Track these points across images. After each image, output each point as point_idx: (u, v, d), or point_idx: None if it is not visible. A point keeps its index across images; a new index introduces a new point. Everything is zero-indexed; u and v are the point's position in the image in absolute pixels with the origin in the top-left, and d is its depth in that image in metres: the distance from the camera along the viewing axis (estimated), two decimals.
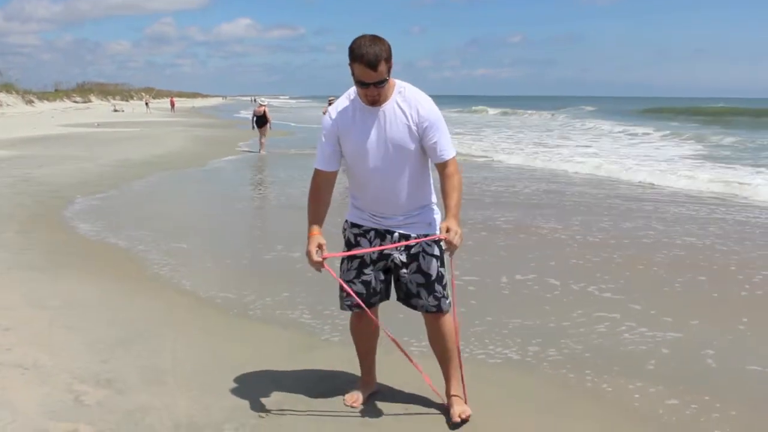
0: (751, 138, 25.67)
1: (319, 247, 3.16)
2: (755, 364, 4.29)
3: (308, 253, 3.17)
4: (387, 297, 3.47)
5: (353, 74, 3.06)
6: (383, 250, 3.29)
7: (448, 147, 3.22)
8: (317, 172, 3.31)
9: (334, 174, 3.32)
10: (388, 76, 3.07)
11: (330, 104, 18.71)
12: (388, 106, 3.16)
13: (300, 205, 10.73)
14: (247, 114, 54.26)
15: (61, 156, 16.89)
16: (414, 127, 3.15)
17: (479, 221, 8.92)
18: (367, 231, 3.33)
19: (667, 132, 29.81)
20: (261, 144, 19.79)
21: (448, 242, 3.02)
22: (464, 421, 3.34)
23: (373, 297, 3.38)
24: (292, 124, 37.77)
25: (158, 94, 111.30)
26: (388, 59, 3.03)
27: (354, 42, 3.03)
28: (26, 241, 7.53)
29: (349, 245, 3.38)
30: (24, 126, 30.70)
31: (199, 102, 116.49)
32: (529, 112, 54.27)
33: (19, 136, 24.01)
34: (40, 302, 5.23)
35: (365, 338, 3.58)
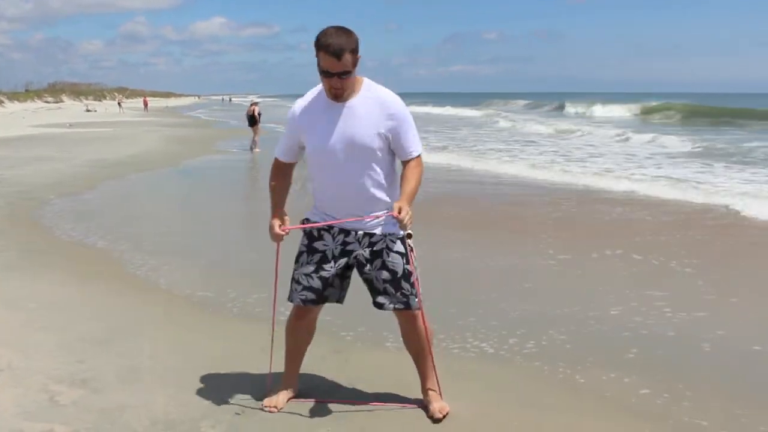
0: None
1: (282, 221, 3.28)
2: (759, 344, 4.43)
3: (271, 227, 3.27)
4: (342, 297, 3.40)
5: (318, 64, 3.06)
6: (346, 245, 3.26)
7: (415, 144, 3.24)
8: (276, 161, 3.43)
9: (291, 166, 3.44)
10: (353, 68, 3.07)
11: None
12: (354, 102, 3.15)
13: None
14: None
15: (33, 157, 16.68)
16: (381, 125, 3.14)
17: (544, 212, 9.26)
18: (331, 227, 3.29)
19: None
20: (255, 142, 19.51)
21: (399, 220, 3.02)
22: (443, 416, 3.36)
23: (326, 290, 3.31)
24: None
25: (132, 94, 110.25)
26: (355, 51, 3.03)
27: (321, 32, 3.04)
28: (0, 241, 7.44)
29: (311, 238, 3.33)
30: None
31: (173, 101, 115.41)
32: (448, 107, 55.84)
33: None
34: (15, 303, 5.18)
35: (301, 338, 3.51)
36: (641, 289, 5.64)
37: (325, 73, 3.05)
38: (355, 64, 3.06)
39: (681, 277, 6.13)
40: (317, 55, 3.04)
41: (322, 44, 3.00)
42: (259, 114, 20.04)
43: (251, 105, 20.58)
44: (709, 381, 3.92)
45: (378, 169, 3.21)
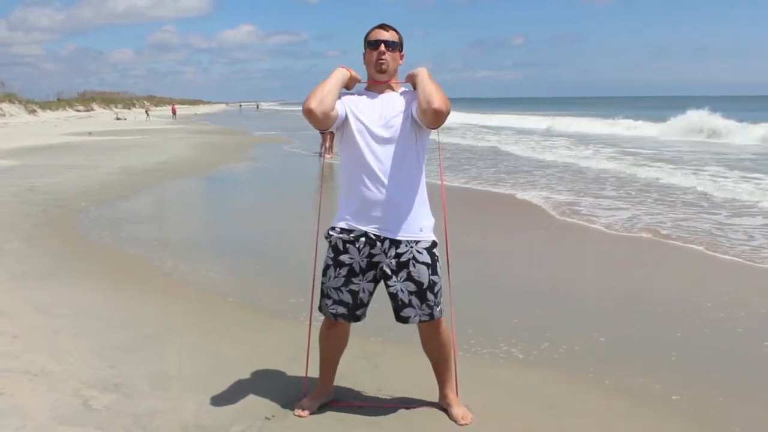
0: None
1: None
2: None
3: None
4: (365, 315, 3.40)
5: (367, 47, 3.24)
6: (372, 257, 3.23)
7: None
8: None
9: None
10: (400, 50, 3.29)
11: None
12: (392, 94, 3.28)
13: (311, 205, 10.78)
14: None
15: (64, 165, 16.94)
16: (409, 107, 3.18)
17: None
18: (357, 237, 3.23)
19: None
20: (326, 149, 19.12)
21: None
22: (468, 423, 3.37)
23: (359, 309, 3.33)
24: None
25: (160, 102, 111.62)
26: (401, 38, 3.29)
27: None
28: (33, 249, 7.56)
29: (337, 251, 3.29)
30: (27, 135, 30.80)
31: (201, 109, 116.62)
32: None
33: (22, 145, 24.08)
34: (47, 309, 5.26)
35: (334, 346, 3.52)
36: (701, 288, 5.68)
37: (374, 43, 3.22)
38: (401, 47, 3.29)
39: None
40: (366, 43, 3.25)
41: (371, 28, 3.27)
42: None
43: None
44: (747, 386, 3.87)
45: (408, 166, 3.25)
